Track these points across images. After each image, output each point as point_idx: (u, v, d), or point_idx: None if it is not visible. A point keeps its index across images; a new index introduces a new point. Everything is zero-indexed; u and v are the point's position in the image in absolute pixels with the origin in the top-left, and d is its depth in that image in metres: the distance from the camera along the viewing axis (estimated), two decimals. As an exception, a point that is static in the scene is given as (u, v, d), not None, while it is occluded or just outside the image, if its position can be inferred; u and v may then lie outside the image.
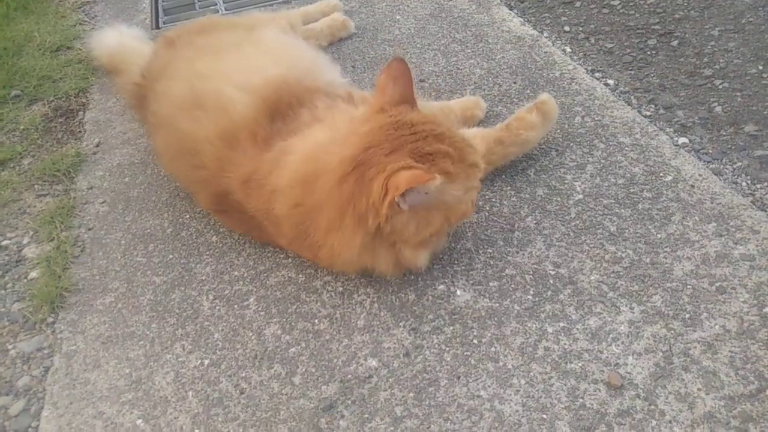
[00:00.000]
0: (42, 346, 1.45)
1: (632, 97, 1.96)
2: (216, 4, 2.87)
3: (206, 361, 1.35)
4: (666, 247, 1.45)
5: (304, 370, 1.31)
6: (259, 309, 1.45)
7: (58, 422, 1.28)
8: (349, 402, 1.24)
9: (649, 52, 2.14)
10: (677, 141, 1.76)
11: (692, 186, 1.58)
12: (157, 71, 1.74)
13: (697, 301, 1.32)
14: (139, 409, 1.28)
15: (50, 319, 1.50)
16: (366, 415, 1.21)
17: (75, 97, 2.31)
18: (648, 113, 1.88)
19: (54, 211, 1.79)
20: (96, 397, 1.32)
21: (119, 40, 2.29)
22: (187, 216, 1.73)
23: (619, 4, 2.42)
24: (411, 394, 1.24)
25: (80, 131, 2.15)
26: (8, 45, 2.57)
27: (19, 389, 1.36)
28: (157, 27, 2.74)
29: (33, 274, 1.62)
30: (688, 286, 1.35)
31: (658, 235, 1.48)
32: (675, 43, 2.15)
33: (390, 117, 1.27)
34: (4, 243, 1.73)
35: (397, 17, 2.53)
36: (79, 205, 1.82)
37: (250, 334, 1.40)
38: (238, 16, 2.21)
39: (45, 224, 1.75)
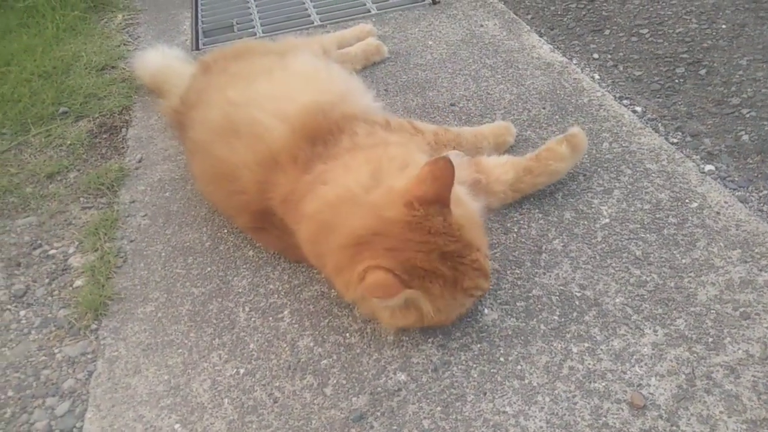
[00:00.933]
0: (86, 351, 1.52)
1: (660, 124, 2.00)
2: (254, 27, 2.97)
3: (242, 370, 1.41)
4: (690, 272, 1.48)
5: (335, 381, 1.36)
6: (293, 321, 1.51)
7: (100, 423, 1.34)
8: (379, 414, 1.29)
9: (677, 81, 2.17)
10: (704, 168, 1.80)
11: (718, 213, 1.61)
12: (193, 98, 1.83)
13: (720, 326, 1.35)
14: (177, 414, 1.34)
15: (94, 326, 1.58)
16: (395, 427, 1.26)
17: (119, 115, 2.41)
18: (675, 140, 1.92)
19: (98, 223, 1.87)
20: (136, 401, 1.38)
21: (161, 61, 2.39)
22: (225, 231, 1.80)
23: (648, 32, 2.47)
24: (438, 408, 1.28)
25: (123, 147, 2.24)
26: (57, 64, 2.69)
27: (65, 391, 1.43)
28: (197, 48, 2.84)
29: (78, 283, 1.70)
30: (712, 311, 1.38)
31: (683, 260, 1.51)
32: (703, 71, 2.18)
33: (412, 216, 1.25)
34: (51, 252, 1.81)
35: (430, 42, 2.60)
36: (121, 218, 1.90)
37: (284, 345, 1.45)
38: (272, 41, 2.29)
39: (90, 235, 1.83)
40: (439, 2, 2.92)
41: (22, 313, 1.63)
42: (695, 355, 1.30)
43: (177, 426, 1.32)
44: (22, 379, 1.47)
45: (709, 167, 1.80)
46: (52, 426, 1.36)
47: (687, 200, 1.67)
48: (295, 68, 1.83)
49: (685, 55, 2.28)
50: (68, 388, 1.44)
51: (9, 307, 1.65)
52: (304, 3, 3.14)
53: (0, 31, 2.97)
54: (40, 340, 1.56)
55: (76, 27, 3.06)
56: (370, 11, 2.95)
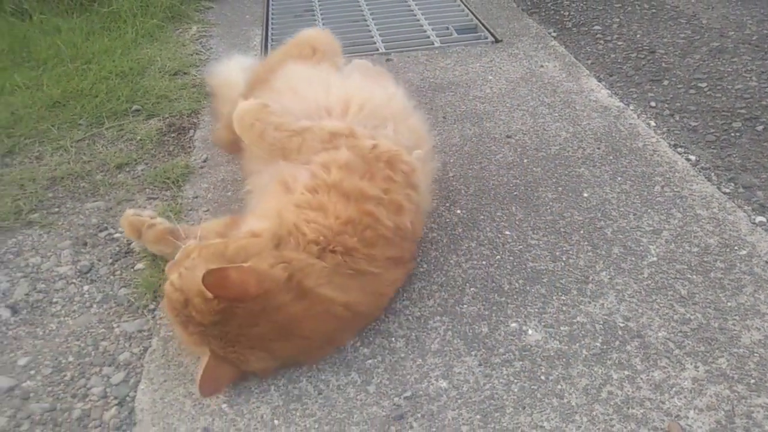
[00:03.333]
0: (143, 329, 1.60)
1: (713, 173, 2.03)
2: (321, 49, 3.09)
3: (289, 361, 1.47)
4: (735, 315, 1.50)
5: (378, 381, 1.41)
6: (341, 322, 1.56)
7: (152, 396, 1.41)
8: (419, 415, 1.33)
9: (733, 134, 2.21)
10: (755, 219, 1.82)
11: (767, 262, 1.63)
12: None
13: (763, 369, 1.37)
14: (224, 394, 1.40)
15: (152, 306, 1.65)
16: (433, 429, 1.30)
17: (188, 117, 2.53)
18: (727, 190, 1.95)
19: (162, 214, 1.96)
20: (187, 379, 1.44)
21: (231, 73, 2.48)
22: (282, 232, 1.87)
23: (707, 86, 2.51)
24: (477, 417, 1.32)
25: (190, 147, 2.35)
26: (134, 66, 2.84)
27: (121, 363, 1.51)
28: (266, 63, 2.97)
29: (139, 266, 1.79)
30: (755, 354, 1.40)
31: (728, 303, 1.53)
32: (760, 128, 2.22)
33: None
34: (116, 236, 1.91)
35: (489, 77, 2.68)
36: (184, 211, 1.99)
37: (332, 342, 1.51)
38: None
39: (153, 224, 1.92)
40: (501, 41, 3.01)
41: (86, 288, 1.72)
42: (736, 393, 1.32)
43: (224, 406, 1.38)
44: (82, 348, 1.54)
45: (760, 218, 1.82)
46: (107, 393, 1.43)
47: (736, 247, 1.69)
48: None
49: (742, 111, 2.32)
50: (124, 360, 1.51)
51: (74, 281, 1.74)
52: (370, 30, 3.26)
53: (84, 32, 3.15)
54: (101, 314, 1.64)
55: (154, 34, 3.23)
56: (433, 44, 3.06)
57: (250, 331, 1.30)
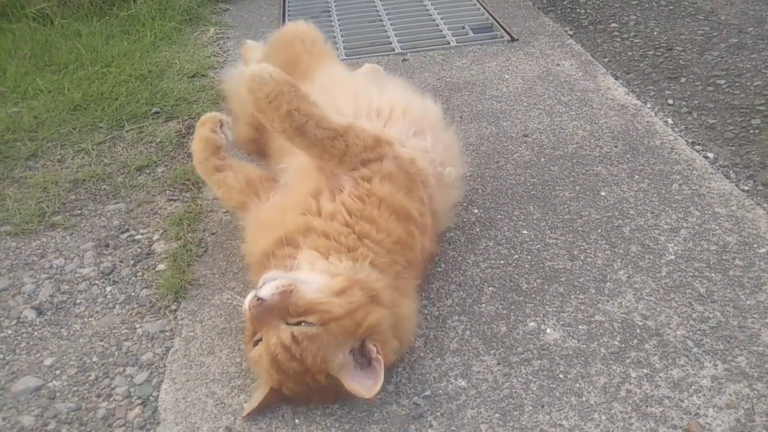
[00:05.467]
0: (165, 329, 1.62)
1: (731, 171, 2.02)
2: (337, 50, 3.10)
3: (309, 361, 1.49)
4: (755, 313, 1.50)
5: (398, 380, 1.42)
6: (360, 321, 1.57)
7: (175, 395, 1.43)
8: (438, 414, 1.34)
9: (752, 131, 2.19)
10: (774, 217, 1.81)
11: (787, 260, 1.63)
12: None
13: (783, 367, 1.36)
14: (246, 393, 1.42)
15: (173, 307, 1.68)
16: (453, 428, 1.31)
17: (206, 119, 2.55)
18: (746, 188, 1.94)
19: (182, 215, 1.99)
20: (209, 379, 1.47)
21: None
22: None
23: (725, 83, 2.49)
24: (497, 415, 1.33)
25: (209, 149, 2.37)
26: (153, 69, 2.88)
27: (144, 363, 1.53)
28: (283, 65, 2.99)
29: (161, 267, 1.81)
30: (776, 353, 1.40)
31: (748, 302, 1.53)
32: (779, 125, 2.20)
33: None
34: (137, 237, 1.94)
35: (506, 76, 2.69)
36: (204, 212, 2.02)
37: (351, 342, 1.52)
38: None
39: (173, 225, 1.95)
40: (517, 40, 3.01)
41: (108, 289, 1.75)
42: (756, 392, 1.32)
43: (246, 405, 1.40)
44: (105, 348, 1.57)
45: (780, 216, 1.81)
46: (131, 392, 1.46)
47: (755, 245, 1.69)
48: None
49: (762, 107, 2.30)
50: (147, 360, 1.54)
51: (97, 282, 1.77)
52: (386, 31, 3.27)
53: (104, 36, 3.19)
54: (124, 315, 1.66)
55: (172, 37, 3.26)
56: (449, 43, 3.06)
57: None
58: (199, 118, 1.73)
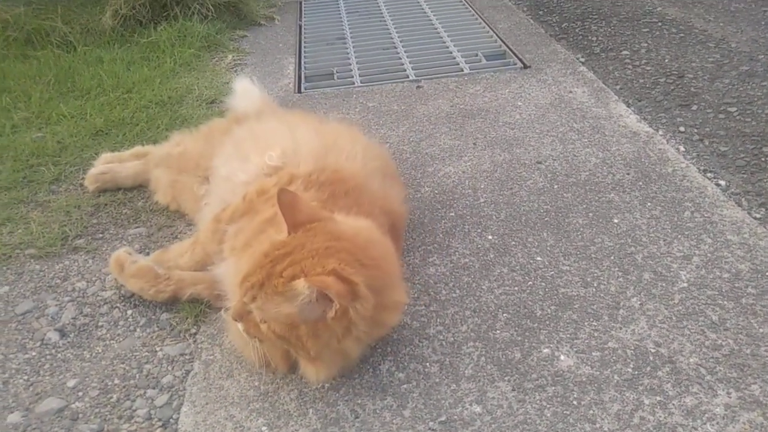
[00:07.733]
0: (185, 352, 1.66)
1: (743, 199, 2.04)
2: (352, 77, 3.17)
3: (326, 385, 1.51)
4: (768, 341, 1.51)
5: (413, 405, 1.44)
6: (376, 347, 1.60)
7: (195, 418, 1.46)
8: (453, 439, 1.36)
9: (763, 159, 2.22)
10: (787, 245, 1.83)
11: (799, 288, 1.64)
12: None
13: (796, 396, 1.37)
14: (264, 417, 1.45)
15: (193, 330, 1.71)
16: (468, 453, 1.33)
17: (224, 145, 2.61)
18: (758, 216, 1.96)
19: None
20: (228, 402, 1.49)
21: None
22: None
23: (737, 111, 2.52)
24: (511, 441, 1.35)
25: (227, 174, 2.42)
26: (172, 95, 2.95)
27: (164, 385, 1.56)
28: (299, 91, 3.06)
29: (180, 291, 1.85)
30: (789, 381, 1.41)
31: (761, 330, 1.54)
32: (791, 153, 2.22)
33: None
34: (158, 261, 1.98)
35: (519, 103, 2.73)
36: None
37: (367, 366, 1.55)
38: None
39: (193, 249, 1.99)
40: (530, 67, 3.06)
41: (129, 312, 1.79)
42: (769, 420, 1.33)
43: (264, 428, 1.42)
44: (126, 370, 1.61)
45: (792, 244, 1.83)
46: (152, 414, 1.49)
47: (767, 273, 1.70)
48: None
49: (773, 136, 2.33)
50: (167, 383, 1.57)
51: (118, 305, 1.81)
52: (400, 58, 3.33)
53: (125, 62, 3.27)
54: (144, 338, 1.70)
55: (191, 63, 3.34)
56: (462, 70, 3.11)
57: None
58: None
